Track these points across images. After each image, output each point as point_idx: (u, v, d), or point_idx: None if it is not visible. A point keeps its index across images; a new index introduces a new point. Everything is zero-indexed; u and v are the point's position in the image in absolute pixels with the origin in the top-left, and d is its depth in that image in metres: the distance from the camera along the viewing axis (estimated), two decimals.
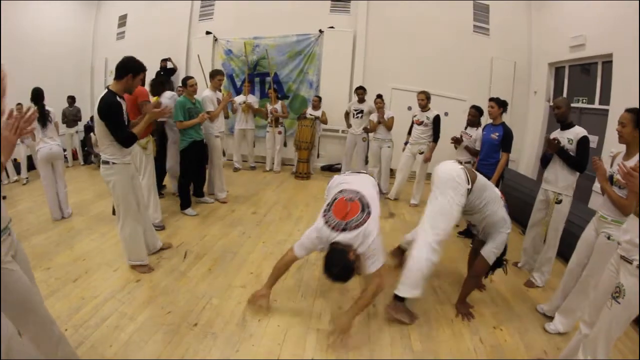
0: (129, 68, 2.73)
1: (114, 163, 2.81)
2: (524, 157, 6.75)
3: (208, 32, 7.54)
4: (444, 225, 2.52)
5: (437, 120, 5.05)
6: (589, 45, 5.11)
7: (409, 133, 5.36)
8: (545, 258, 3.17)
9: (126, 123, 2.80)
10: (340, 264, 2.15)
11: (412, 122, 5.30)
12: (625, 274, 1.69)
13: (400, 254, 3.29)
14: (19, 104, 4.71)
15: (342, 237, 2.22)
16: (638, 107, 2.24)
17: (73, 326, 2.30)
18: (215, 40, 7.52)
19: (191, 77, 4.27)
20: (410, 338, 2.41)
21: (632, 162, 2.09)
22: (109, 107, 2.64)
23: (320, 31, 7.00)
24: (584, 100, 5.30)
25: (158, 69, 7.43)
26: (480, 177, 2.68)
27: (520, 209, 4.02)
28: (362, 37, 6.93)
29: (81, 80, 8.57)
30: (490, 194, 2.64)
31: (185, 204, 4.42)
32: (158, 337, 2.28)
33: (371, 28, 6.93)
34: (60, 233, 3.80)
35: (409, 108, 6.39)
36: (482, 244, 2.71)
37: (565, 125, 3.01)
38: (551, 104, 6.16)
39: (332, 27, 6.95)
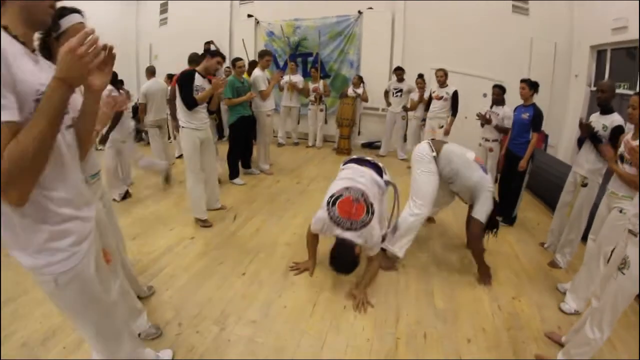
0: (207, 51, 3.58)
1: (183, 127, 3.44)
2: (563, 141, 6.57)
3: (249, 15, 7.82)
4: (421, 194, 2.94)
5: (455, 95, 5.36)
6: (631, 27, 4.87)
7: (426, 109, 5.62)
8: (567, 240, 3.20)
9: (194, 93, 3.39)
10: (347, 259, 2.41)
11: (430, 98, 5.55)
12: (631, 246, 1.78)
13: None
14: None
15: (350, 235, 2.39)
16: None
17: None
18: (257, 22, 7.80)
19: (240, 59, 4.63)
20: (434, 297, 2.65)
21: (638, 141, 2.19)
22: (182, 75, 3.40)
23: (359, 12, 7.12)
24: (626, 86, 5.14)
25: (201, 52, 7.81)
26: (447, 148, 2.99)
27: (552, 190, 4.08)
28: (401, 17, 6.98)
29: (127, 66, 8.93)
30: (459, 161, 2.93)
31: (233, 174, 4.84)
32: (210, 283, 2.65)
33: (409, 8, 6.95)
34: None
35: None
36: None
37: (606, 110, 2.97)
38: (593, 88, 6.00)
39: (370, 8, 7.04)
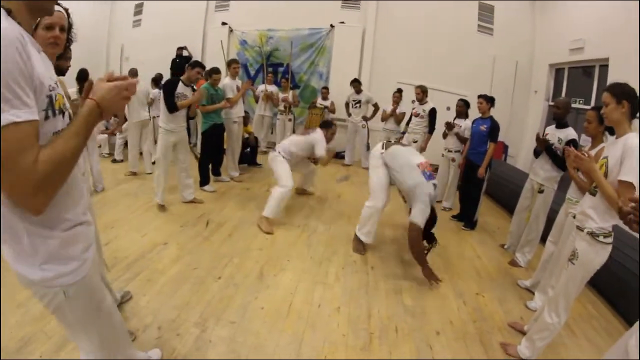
0: (188, 62, 4.02)
1: (160, 127, 3.96)
2: (522, 153, 7.02)
3: (224, 23, 7.88)
4: (371, 188, 3.42)
5: (432, 112, 5.42)
6: (588, 48, 5.37)
7: (407, 124, 5.78)
8: (527, 240, 3.48)
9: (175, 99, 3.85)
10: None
11: (411, 114, 5.69)
12: (579, 240, 2.02)
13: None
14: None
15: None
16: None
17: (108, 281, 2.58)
18: (231, 31, 7.87)
19: (219, 72, 4.62)
20: (403, 295, 2.80)
21: (594, 151, 2.45)
22: (165, 82, 3.93)
23: (331, 26, 7.35)
24: (581, 102, 5.58)
25: (174, 56, 7.80)
26: (395, 147, 3.40)
27: (511, 197, 4.37)
28: (371, 32, 7.27)
29: (96, 67, 8.73)
30: (401, 161, 3.22)
31: (204, 181, 4.83)
32: (186, 287, 2.66)
33: (380, 24, 7.26)
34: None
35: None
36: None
37: (561, 125, 3.26)
38: (551, 103, 6.45)
39: (342, 22, 7.30)
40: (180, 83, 3.87)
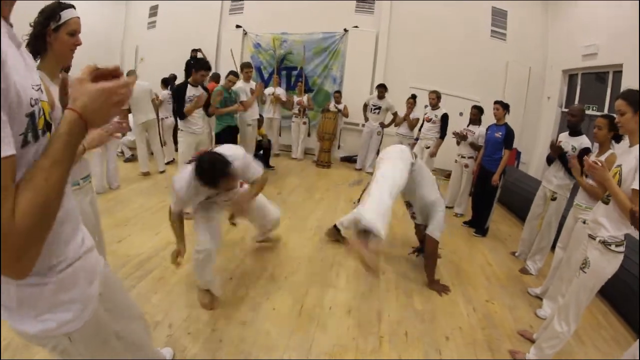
0: (193, 65, 3.99)
1: (181, 130, 3.96)
2: (534, 159, 6.98)
3: (238, 26, 7.96)
4: (395, 189, 2.49)
5: (444, 118, 5.38)
6: (601, 54, 5.32)
7: (419, 130, 5.73)
8: (538, 248, 3.47)
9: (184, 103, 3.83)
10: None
11: (423, 120, 5.65)
12: (590, 248, 2.02)
13: (335, 234, 3.59)
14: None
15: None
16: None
17: (120, 278, 2.60)
18: (245, 34, 7.94)
19: (235, 75, 4.71)
20: (413, 299, 2.81)
21: (602, 158, 2.45)
22: (174, 89, 3.85)
23: (345, 30, 7.38)
24: (594, 108, 5.53)
25: (188, 58, 7.91)
26: (419, 161, 3.02)
27: (523, 204, 4.35)
28: (385, 37, 7.28)
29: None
30: (427, 174, 3.01)
31: None
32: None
33: (393, 29, 7.27)
34: (102, 203, 4.18)
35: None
36: (424, 228, 3.08)
37: (575, 132, 3.23)
38: (564, 109, 6.40)
39: (356, 27, 7.32)
40: (189, 86, 3.87)
